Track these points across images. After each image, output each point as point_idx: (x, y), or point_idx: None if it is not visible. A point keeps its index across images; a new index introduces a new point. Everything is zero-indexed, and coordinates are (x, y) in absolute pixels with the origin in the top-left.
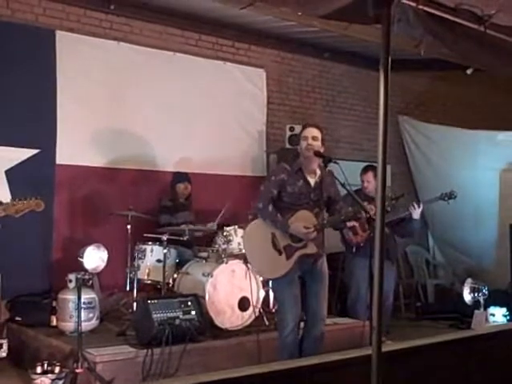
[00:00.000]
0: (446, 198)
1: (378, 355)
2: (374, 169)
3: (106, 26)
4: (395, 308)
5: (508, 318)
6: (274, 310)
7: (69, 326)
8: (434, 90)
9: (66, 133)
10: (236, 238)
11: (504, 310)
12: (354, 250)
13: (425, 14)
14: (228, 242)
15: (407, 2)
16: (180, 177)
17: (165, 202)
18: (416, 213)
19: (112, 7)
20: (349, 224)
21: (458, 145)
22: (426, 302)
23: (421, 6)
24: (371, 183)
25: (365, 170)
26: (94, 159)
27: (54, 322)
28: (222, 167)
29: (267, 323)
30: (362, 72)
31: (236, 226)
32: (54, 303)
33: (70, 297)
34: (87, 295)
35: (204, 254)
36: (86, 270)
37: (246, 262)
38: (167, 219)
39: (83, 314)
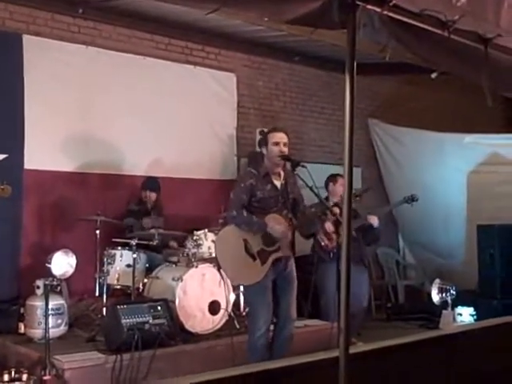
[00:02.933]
0: (410, 201)
1: (345, 357)
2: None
3: (74, 30)
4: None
5: (475, 317)
6: (244, 314)
7: (37, 332)
8: (402, 93)
9: (35, 137)
10: (206, 241)
11: (471, 310)
12: (331, 255)
13: (390, 19)
14: (198, 246)
15: (372, 8)
16: (146, 184)
17: (131, 206)
18: (374, 221)
19: (80, 11)
20: (327, 228)
21: (427, 147)
22: (397, 302)
23: (386, 12)
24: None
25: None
26: (63, 164)
27: (22, 329)
28: (192, 171)
29: (238, 326)
30: (331, 75)
31: (206, 230)
32: (22, 310)
33: (37, 303)
34: (55, 301)
35: (174, 259)
36: (54, 276)
37: (217, 267)
38: (130, 222)
39: (51, 320)
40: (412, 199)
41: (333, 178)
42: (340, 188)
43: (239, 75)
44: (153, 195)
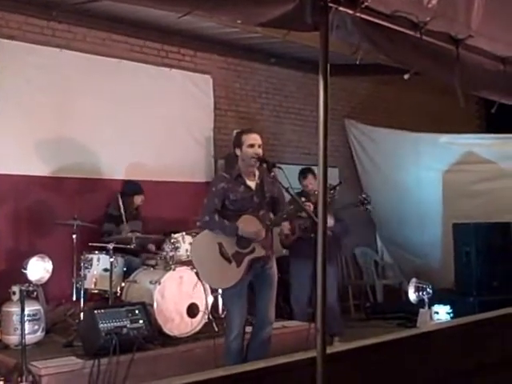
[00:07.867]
0: (359, 205)
1: (322, 357)
2: (311, 171)
3: (48, 33)
4: (345, 309)
5: (451, 315)
6: (223, 316)
7: (13, 339)
8: (378, 93)
9: (8, 142)
10: (184, 244)
11: (447, 308)
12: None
13: (362, 21)
14: (176, 248)
15: (344, 10)
16: (131, 188)
17: (111, 210)
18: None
19: (54, 14)
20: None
21: (403, 147)
22: (376, 302)
23: (358, 14)
24: (314, 184)
25: (304, 175)
26: (38, 168)
27: None
28: (169, 174)
29: (216, 329)
30: (307, 76)
31: (184, 233)
32: None
33: (13, 309)
34: (32, 307)
35: (152, 262)
36: (30, 282)
37: (195, 271)
38: (110, 227)
39: (28, 326)
40: (362, 203)
41: (303, 174)
42: (309, 186)
43: (215, 77)
44: (142, 198)
